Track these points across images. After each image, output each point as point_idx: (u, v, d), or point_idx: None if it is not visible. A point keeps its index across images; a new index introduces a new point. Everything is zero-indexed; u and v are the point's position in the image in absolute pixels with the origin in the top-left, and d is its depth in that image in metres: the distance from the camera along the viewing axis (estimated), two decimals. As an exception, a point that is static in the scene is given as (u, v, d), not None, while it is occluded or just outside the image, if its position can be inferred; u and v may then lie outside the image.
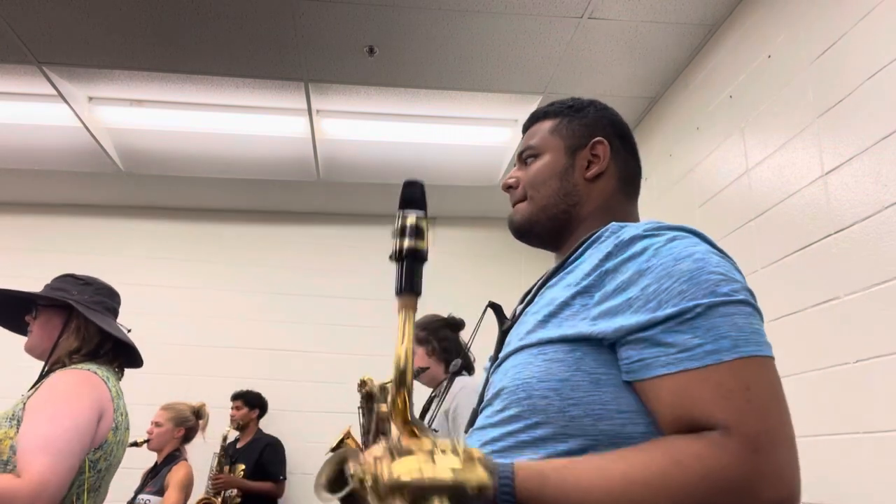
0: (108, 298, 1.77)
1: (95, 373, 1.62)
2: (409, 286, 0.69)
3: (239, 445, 3.92)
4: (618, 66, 2.99)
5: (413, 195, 0.73)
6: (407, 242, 0.70)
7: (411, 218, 0.71)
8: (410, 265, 0.70)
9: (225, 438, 3.81)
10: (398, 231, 0.71)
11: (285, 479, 3.97)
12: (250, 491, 3.75)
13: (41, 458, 1.42)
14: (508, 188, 1.01)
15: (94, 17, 2.70)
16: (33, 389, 1.59)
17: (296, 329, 4.56)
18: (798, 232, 2.12)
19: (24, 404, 1.52)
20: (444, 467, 0.61)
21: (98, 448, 1.56)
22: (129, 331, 1.81)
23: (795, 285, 2.10)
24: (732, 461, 0.64)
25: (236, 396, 4.07)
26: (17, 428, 1.49)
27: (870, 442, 1.76)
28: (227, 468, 3.73)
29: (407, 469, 0.61)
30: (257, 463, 3.85)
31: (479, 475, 0.62)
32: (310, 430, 4.27)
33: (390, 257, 0.72)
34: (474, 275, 4.55)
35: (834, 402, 1.89)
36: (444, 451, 0.63)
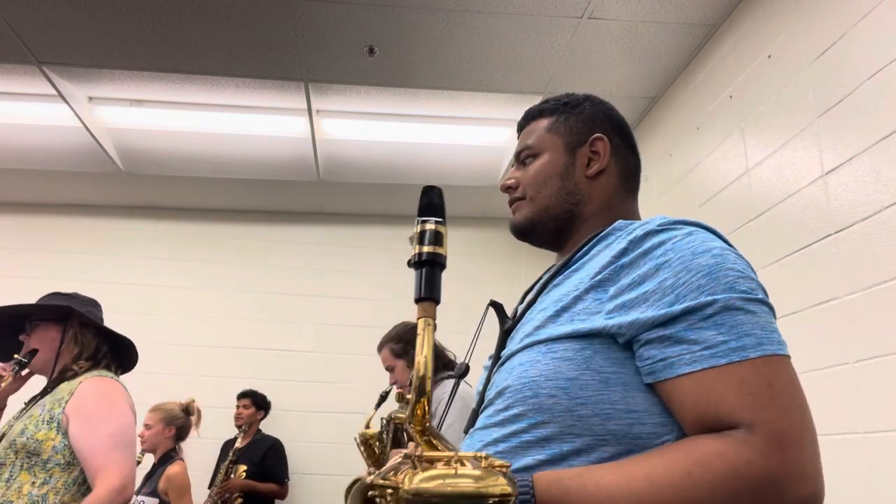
0: (93, 308, 1.85)
1: (118, 381, 1.76)
2: (429, 293, 0.68)
3: (238, 445, 3.91)
4: (618, 66, 2.99)
5: (431, 201, 0.73)
6: (426, 248, 0.70)
7: (430, 224, 0.71)
8: (430, 272, 0.69)
9: (235, 451, 3.75)
10: (417, 237, 0.71)
11: (289, 480, 3.96)
12: (256, 492, 3.73)
13: (115, 454, 1.59)
14: (507, 189, 0.99)
15: (94, 17, 2.70)
16: (64, 396, 1.65)
17: (296, 329, 4.55)
18: (798, 232, 2.12)
19: (64, 409, 1.61)
20: (466, 477, 0.61)
21: None
22: None
23: (795, 285, 2.10)
24: (757, 458, 0.64)
25: (244, 395, 4.03)
26: (58, 431, 1.59)
27: (870, 442, 1.76)
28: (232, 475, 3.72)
29: (428, 479, 0.60)
30: (261, 464, 3.82)
31: (501, 485, 0.61)
32: (309, 430, 4.27)
33: (409, 263, 0.70)
34: (474, 275, 4.55)
35: (834, 402, 1.89)
36: (465, 461, 0.62)
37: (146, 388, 3.63)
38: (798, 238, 2.12)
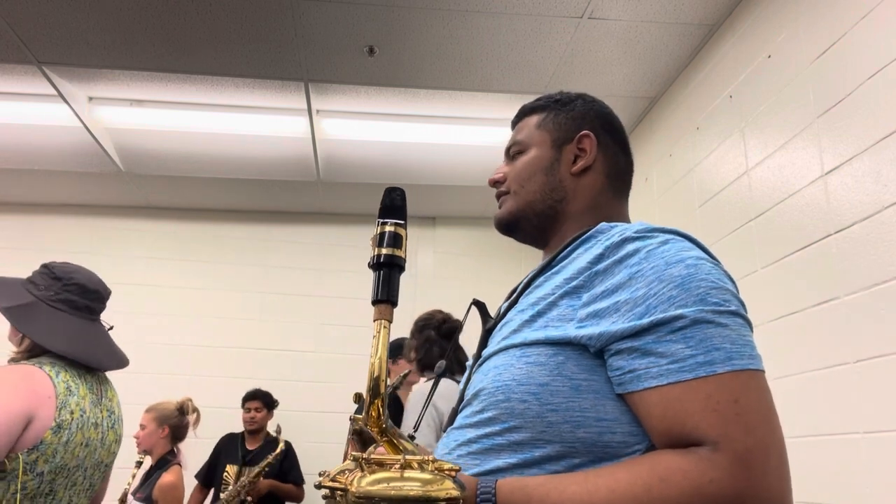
0: (78, 297, 1.65)
1: (42, 367, 1.49)
2: (385, 295, 0.69)
3: (250, 447, 3.83)
4: (618, 66, 2.99)
5: (392, 203, 0.74)
6: (384, 251, 0.71)
7: (389, 226, 0.72)
8: (388, 274, 0.70)
9: (277, 456, 3.63)
10: (376, 239, 0.72)
11: (304, 482, 3.91)
12: (280, 493, 3.70)
13: None
14: (495, 183, 0.99)
15: (94, 17, 2.70)
16: None
17: (296, 329, 4.55)
18: (798, 232, 2.12)
19: None
20: (413, 480, 0.61)
21: (32, 449, 1.41)
22: (110, 328, 1.74)
23: (795, 285, 2.10)
24: (720, 476, 0.63)
25: (254, 397, 3.90)
26: None
27: (870, 442, 1.76)
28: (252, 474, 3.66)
29: (375, 482, 0.61)
30: (279, 466, 3.74)
31: (447, 489, 0.61)
32: (309, 430, 4.27)
33: (369, 265, 0.71)
34: (474, 275, 4.54)
35: (834, 402, 1.89)
36: (415, 464, 0.62)
37: (146, 388, 3.64)
38: (798, 238, 2.12)
